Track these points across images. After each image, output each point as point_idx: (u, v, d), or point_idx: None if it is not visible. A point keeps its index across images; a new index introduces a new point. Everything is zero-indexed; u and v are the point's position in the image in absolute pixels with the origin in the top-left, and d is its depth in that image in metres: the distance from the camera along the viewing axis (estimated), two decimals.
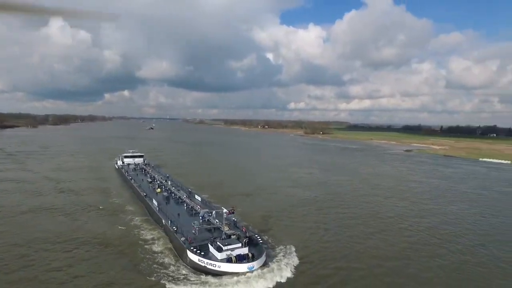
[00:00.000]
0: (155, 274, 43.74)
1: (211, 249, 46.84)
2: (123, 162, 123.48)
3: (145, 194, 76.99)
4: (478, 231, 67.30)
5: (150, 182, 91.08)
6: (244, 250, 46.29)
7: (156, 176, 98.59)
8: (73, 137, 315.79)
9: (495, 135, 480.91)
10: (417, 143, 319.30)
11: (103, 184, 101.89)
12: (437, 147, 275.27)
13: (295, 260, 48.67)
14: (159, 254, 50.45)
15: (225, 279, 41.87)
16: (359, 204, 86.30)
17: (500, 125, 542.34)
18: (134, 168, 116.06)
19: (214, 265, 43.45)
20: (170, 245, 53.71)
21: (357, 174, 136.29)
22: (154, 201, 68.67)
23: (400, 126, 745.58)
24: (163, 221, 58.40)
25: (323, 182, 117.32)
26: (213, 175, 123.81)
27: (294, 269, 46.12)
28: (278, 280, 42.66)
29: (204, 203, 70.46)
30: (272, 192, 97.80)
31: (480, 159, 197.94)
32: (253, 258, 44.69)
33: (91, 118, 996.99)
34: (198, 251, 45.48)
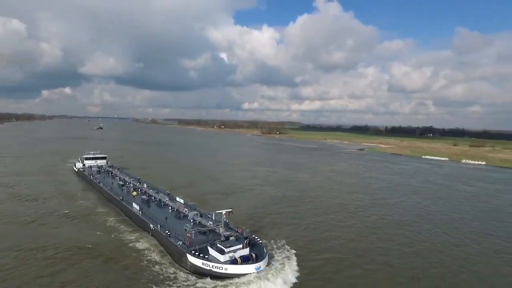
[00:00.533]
0: (153, 280, 42.84)
1: (212, 251, 46.15)
2: (83, 164, 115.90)
3: (120, 197, 73.62)
4: (435, 219, 75.73)
5: (123, 185, 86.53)
6: (246, 251, 46.35)
7: (126, 178, 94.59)
8: (13, 138, 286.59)
9: (431, 134, 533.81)
10: (367, 143, 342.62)
11: (64, 187, 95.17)
12: (385, 146, 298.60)
13: (293, 257, 49.88)
14: (153, 259, 48.81)
15: (232, 281, 41.60)
16: (327, 199, 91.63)
17: (434, 125, 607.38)
18: (99, 171, 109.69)
19: (220, 268, 42.85)
20: (161, 250, 52.18)
21: (319, 172, 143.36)
22: (135, 205, 65.65)
23: (349, 126, 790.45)
24: (151, 225, 56.30)
25: (289, 180, 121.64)
26: (181, 175, 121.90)
27: (296, 266, 47.40)
28: (288, 279, 43.33)
29: (188, 206, 69.08)
30: (243, 191, 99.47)
31: (423, 156, 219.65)
32: (256, 259, 44.75)
33: (28, 117, 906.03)
34: (201, 255, 44.74)
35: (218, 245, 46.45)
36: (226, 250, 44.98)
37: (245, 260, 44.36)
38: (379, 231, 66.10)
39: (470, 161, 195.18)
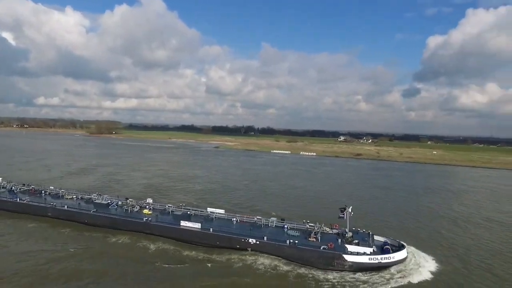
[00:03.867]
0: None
1: (354, 248, 48.67)
2: None
3: (148, 219, 61.22)
4: (319, 187, 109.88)
5: (108, 205, 68.90)
6: (370, 242, 51.51)
7: (94, 196, 74.94)
8: None
9: (253, 133, 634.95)
10: (212, 141, 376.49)
11: None
12: (231, 144, 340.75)
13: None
14: (294, 274, 46.32)
15: (389, 272, 46.73)
16: (247, 187, 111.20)
17: (241, 125, 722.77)
18: (13, 190, 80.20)
19: (389, 258, 47.32)
20: (277, 260, 49.94)
21: (208, 168, 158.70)
22: (193, 224, 57.85)
23: (173, 126, 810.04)
24: (252, 240, 52.87)
25: (195, 176, 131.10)
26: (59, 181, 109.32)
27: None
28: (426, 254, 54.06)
29: (232, 214, 65.93)
30: (168, 189, 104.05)
31: (272, 151, 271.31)
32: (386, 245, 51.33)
33: None
34: (354, 252, 47.67)
35: (356, 240, 50.86)
36: (370, 243, 50.06)
37: (388, 247, 50.52)
38: (304, 200, 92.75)
39: (306, 153, 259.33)
